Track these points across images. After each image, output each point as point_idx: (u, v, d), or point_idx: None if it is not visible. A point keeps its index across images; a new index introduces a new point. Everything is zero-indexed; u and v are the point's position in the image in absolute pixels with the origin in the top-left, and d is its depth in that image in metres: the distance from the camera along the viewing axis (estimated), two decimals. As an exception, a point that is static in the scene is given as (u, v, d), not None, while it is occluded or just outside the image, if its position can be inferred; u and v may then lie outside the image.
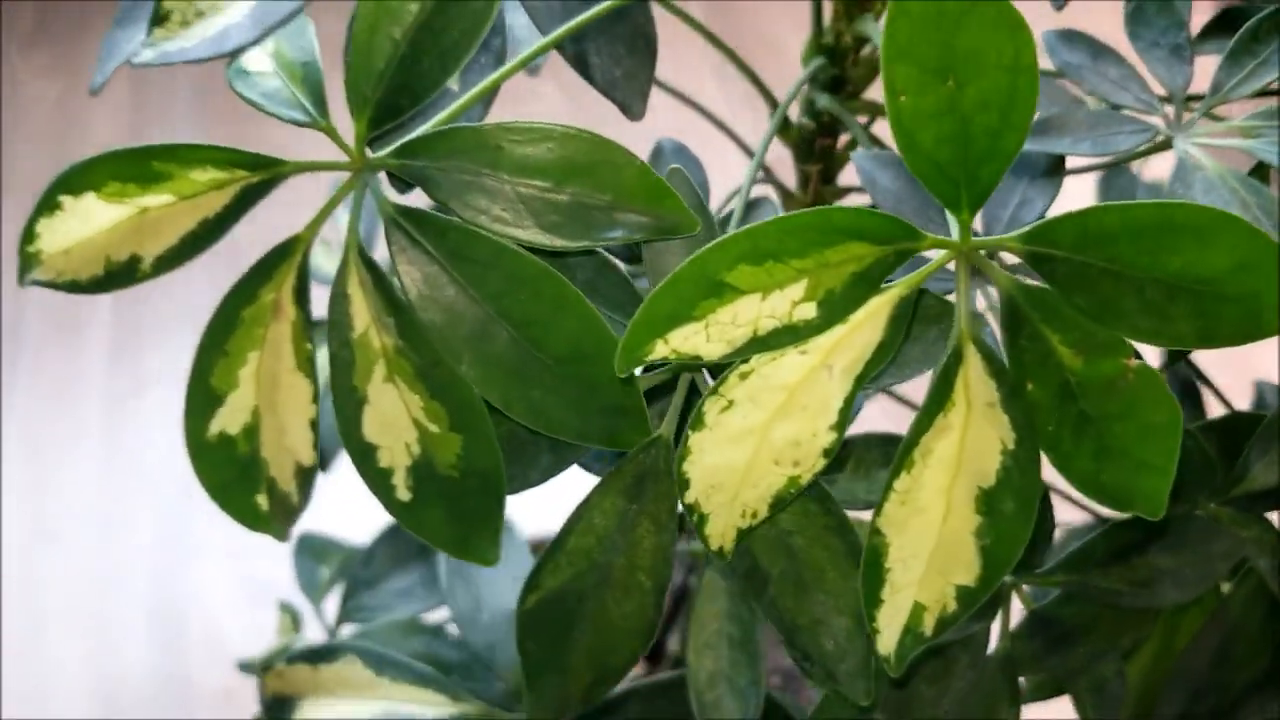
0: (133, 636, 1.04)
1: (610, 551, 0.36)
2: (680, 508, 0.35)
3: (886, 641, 0.34)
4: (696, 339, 0.31)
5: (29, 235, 0.36)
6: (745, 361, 0.32)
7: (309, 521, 0.82)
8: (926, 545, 0.33)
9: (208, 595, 1.06)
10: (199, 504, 1.19)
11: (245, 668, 0.76)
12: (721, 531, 0.34)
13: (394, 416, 0.35)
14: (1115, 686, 0.45)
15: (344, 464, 0.38)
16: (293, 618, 0.74)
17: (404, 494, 0.36)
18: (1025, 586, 0.42)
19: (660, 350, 0.31)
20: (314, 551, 0.77)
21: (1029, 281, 0.32)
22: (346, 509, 0.83)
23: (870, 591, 0.33)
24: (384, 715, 0.47)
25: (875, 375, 0.32)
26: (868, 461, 0.43)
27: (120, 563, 1.08)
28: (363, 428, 0.35)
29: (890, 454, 0.44)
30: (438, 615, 0.73)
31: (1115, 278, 0.31)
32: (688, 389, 0.36)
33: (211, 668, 1.02)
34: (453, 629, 0.56)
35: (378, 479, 0.36)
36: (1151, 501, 0.33)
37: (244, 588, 1.05)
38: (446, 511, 0.36)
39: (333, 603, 0.74)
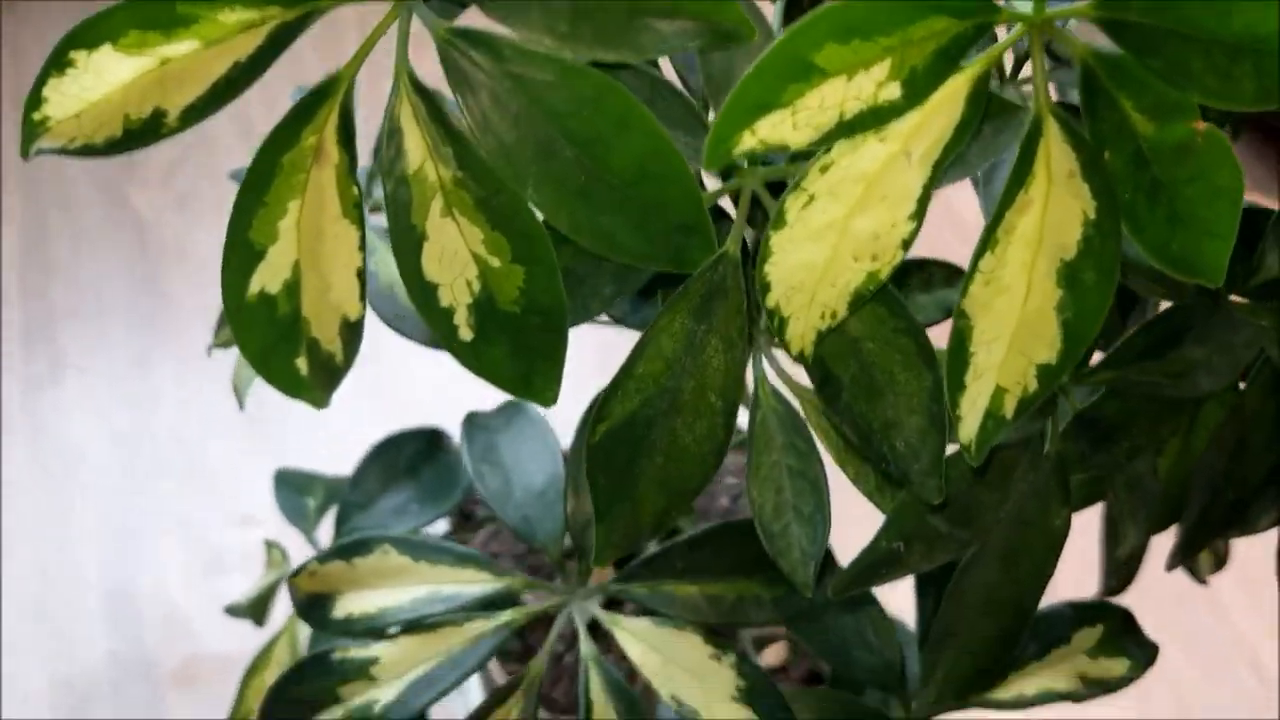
0: (86, 621, 1.01)
1: (679, 375, 0.36)
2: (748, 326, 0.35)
3: (968, 428, 0.34)
4: (784, 127, 0.30)
5: (35, 101, 0.34)
6: (826, 153, 0.32)
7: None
8: (1009, 325, 0.33)
9: (159, 571, 1.03)
10: (139, 482, 1.16)
11: (233, 610, 0.74)
12: (802, 333, 0.34)
13: (454, 251, 0.34)
14: (1150, 482, 0.46)
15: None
16: (281, 553, 0.72)
17: (466, 333, 0.35)
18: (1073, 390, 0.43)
19: (748, 142, 0.30)
20: (295, 485, 0.75)
21: (1103, 47, 0.32)
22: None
23: (954, 377, 0.33)
24: (427, 596, 0.46)
25: (953, 161, 0.32)
26: (909, 285, 0.43)
27: (64, 548, 1.05)
28: (423, 266, 0.34)
29: (929, 278, 0.44)
30: (437, 529, 0.72)
31: (1183, 40, 0.31)
32: (749, 205, 0.36)
33: (171, 644, 0.99)
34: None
35: (440, 319, 0.35)
36: (1214, 268, 0.33)
37: (196, 560, 1.03)
38: (509, 349, 0.35)
39: (324, 532, 0.72)
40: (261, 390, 1.24)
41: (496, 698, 0.45)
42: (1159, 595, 1.03)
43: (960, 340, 0.33)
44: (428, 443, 0.69)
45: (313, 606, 0.48)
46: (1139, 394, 0.42)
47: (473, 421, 0.51)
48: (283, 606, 0.69)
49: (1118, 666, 0.52)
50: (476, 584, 0.47)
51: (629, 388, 0.36)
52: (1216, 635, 1.02)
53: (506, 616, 0.46)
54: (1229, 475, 0.48)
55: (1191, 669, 1.00)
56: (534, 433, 0.50)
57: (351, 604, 0.47)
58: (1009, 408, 0.34)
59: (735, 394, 0.36)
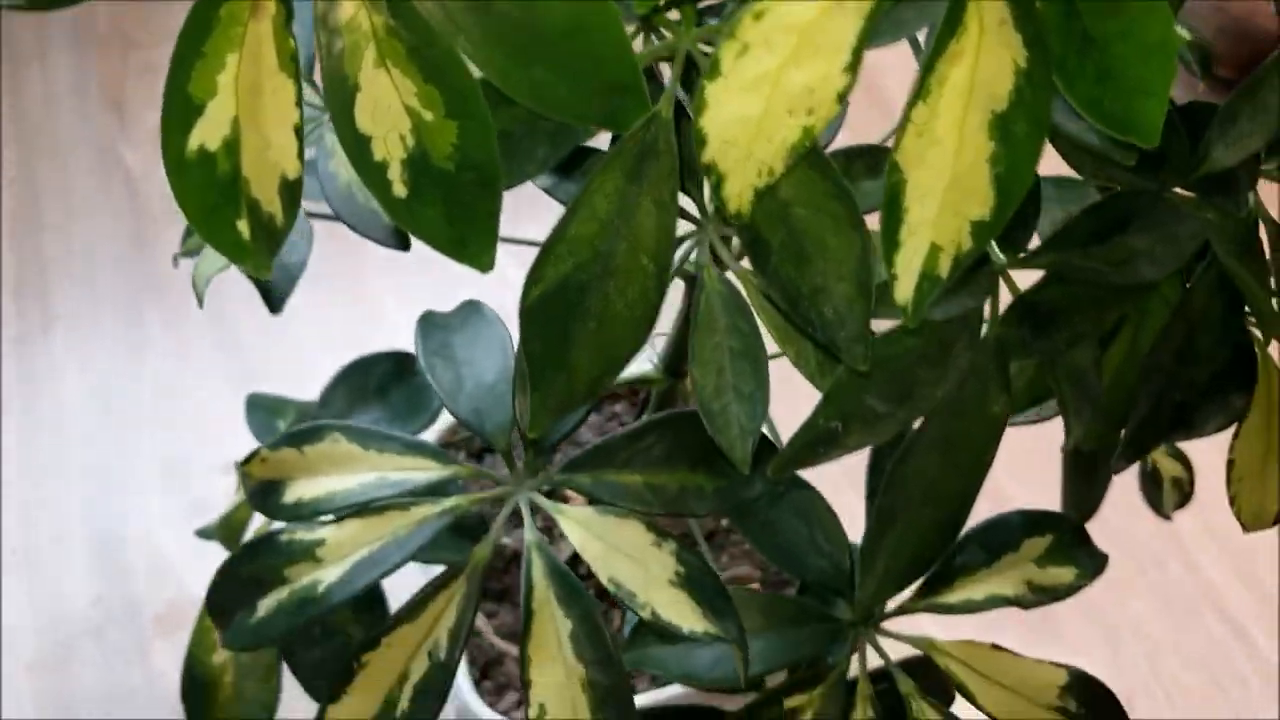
0: (72, 566, 1.01)
1: (612, 237, 0.36)
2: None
3: (904, 288, 0.35)
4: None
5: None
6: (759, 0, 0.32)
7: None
8: (942, 179, 0.33)
9: (145, 517, 1.03)
10: (126, 430, 1.17)
11: (204, 533, 0.75)
12: (739, 192, 0.34)
13: (387, 104, 0.34)
14: (1092, 378, 0.46)
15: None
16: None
17: (400, 189, 0.35)
18: (1012, 272, 0.43)
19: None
20: (266, 409, 0.75)
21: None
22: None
23: (889, 233, 0.34)
24: (375, 482, 0.47)
25: (890, 21, 0.32)
26: (853, 172, 0.43)
27: (51, 495, 1.05)
28: (355, 118, 0.34)
29: (875, 163, 0.44)
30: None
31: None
32: (684, 66, 0.36)
33: (156, 589, 1.00)
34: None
35: (373, 174, 0.35)
36: (1148, 127, 0.34)
37: (181, 506, 1.03)
38: (444, 208, 0.35)
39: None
40: (248, 338, 1.26)
41: (438, 583, 0.46)
42: (1128, 546, 1.03)
43: (894, 195, 0.33)
44: (397, 365, 0.69)
45: (264, 494, 0.48)
46: (1081, 280, 0.43)
47: (429, 319, 0.52)
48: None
49: (1066, 574, 0.53)
50: (424, 471, 0.47)
51: (561, 250, 0.36)
52: (1186, 586, 1.02)
53: (451, 502, 0.47)
54: (1176, 376, 0.48)
55: (1161, 620, 1.00)
56: (488, 330, 0.50)
57: (301, 490, 0.47)
58: (944, 266, 0.34)
59: (667, 257, 0.36)
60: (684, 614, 0.44)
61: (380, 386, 0.69)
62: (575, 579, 0.46)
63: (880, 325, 0.40)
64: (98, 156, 1.29)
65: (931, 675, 0.52)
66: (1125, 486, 1.07)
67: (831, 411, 0.41)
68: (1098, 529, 1.03)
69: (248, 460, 0.48)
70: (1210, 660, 0.98)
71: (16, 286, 1.21)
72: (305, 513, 0.47)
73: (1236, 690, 0.97)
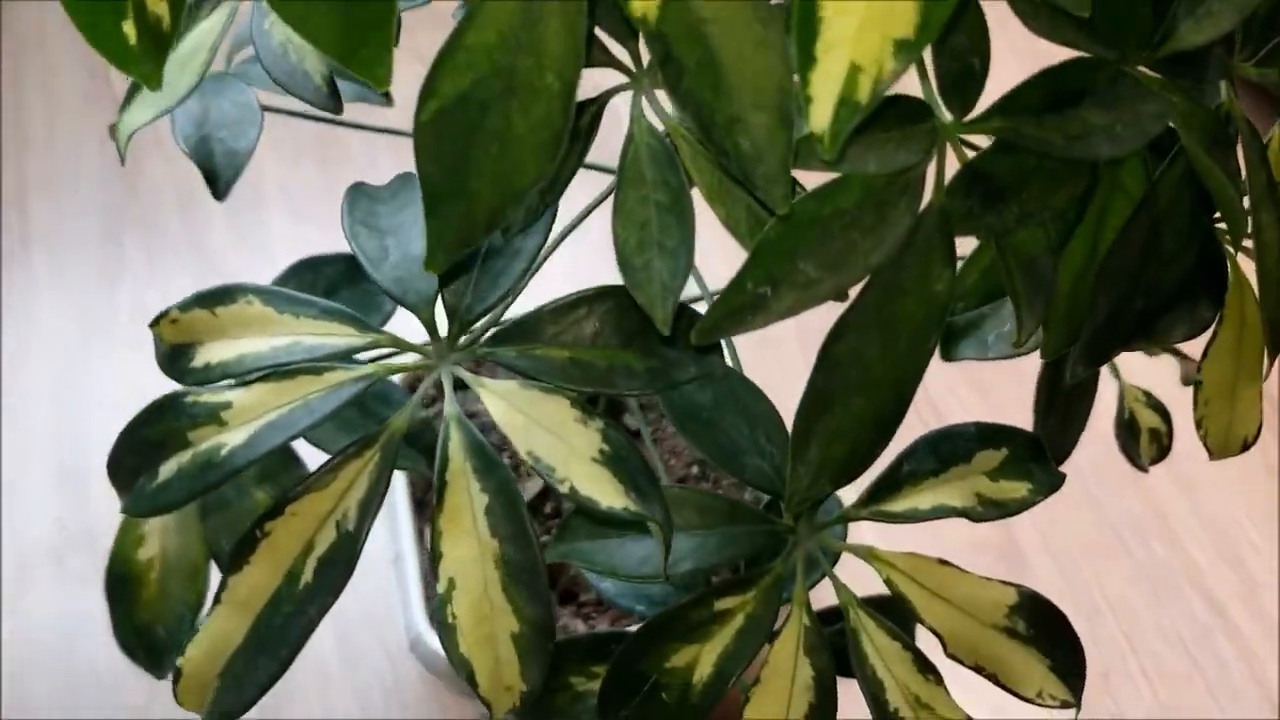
0: (36, 490, 0.99)
1: (514, 51, 0.34)
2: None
3: (820, 113, 0.32)
4: None
5: None
6: None
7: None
8: (862, -10, 0.31)
9: (111, 444, 1.01)
10: (98, 355, 1.15)
11: None
12: (643, -4, 0.32)
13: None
14: (1045, 266, 0.43)
15: None
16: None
17: (293, -13, 0.33)
18: (960, 137, 0.40)
19: None
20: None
21: None
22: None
23: (803, 45, 0.31)
24: (288, 346, 0.44)
25: None
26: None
27: (16, 421, 1.03)
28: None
29: None
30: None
31: None
32: None
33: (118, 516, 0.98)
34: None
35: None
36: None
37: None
38: (337, 12, 0.33)
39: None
40: (228, 264, 1.23)
41: (350, 452, 0.43)
42: (1113, 521, 1.01)
43: (809, 3, 0.31)
44: (349, 266, 0.67)
45: (173, 357, 0.46)
46: (1033, 151, 0.40)
47: (358, 189, 0.49)
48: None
49: (1018, 489, 0.50)
50: (341, 337, 0.45)
51: (459, 60, 0.33)
52: (1170, 565, 0.99)
53: (368, 369, 0.44)
54: (1138, 278, 0.46)
55: (1142, 597, 0.98)
56: (418, 200, 0.48)
57: (211, 353, 0.45)
58: (864, 89, 0.32)
59: (573, 74, 0.34)
60: (605, 490, 0.42)
61: (330, 287, 0.67)
62: (494, 453, 0.44)
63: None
64: (88, 79, 1.28)
65: (893, 609, 0.49)
66: (1112, 460, 1.04)
67: (760, 274, 0.39)
68: (1083, 502, 1.01)
69: (157, 321, 0.46)
70: (1190, 640, 0.95)
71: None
72: (214, 376, 0.44)
73: (1214, 670, 0.94)
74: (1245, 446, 0.52)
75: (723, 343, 0.57)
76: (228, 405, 0.43)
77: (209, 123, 0.62)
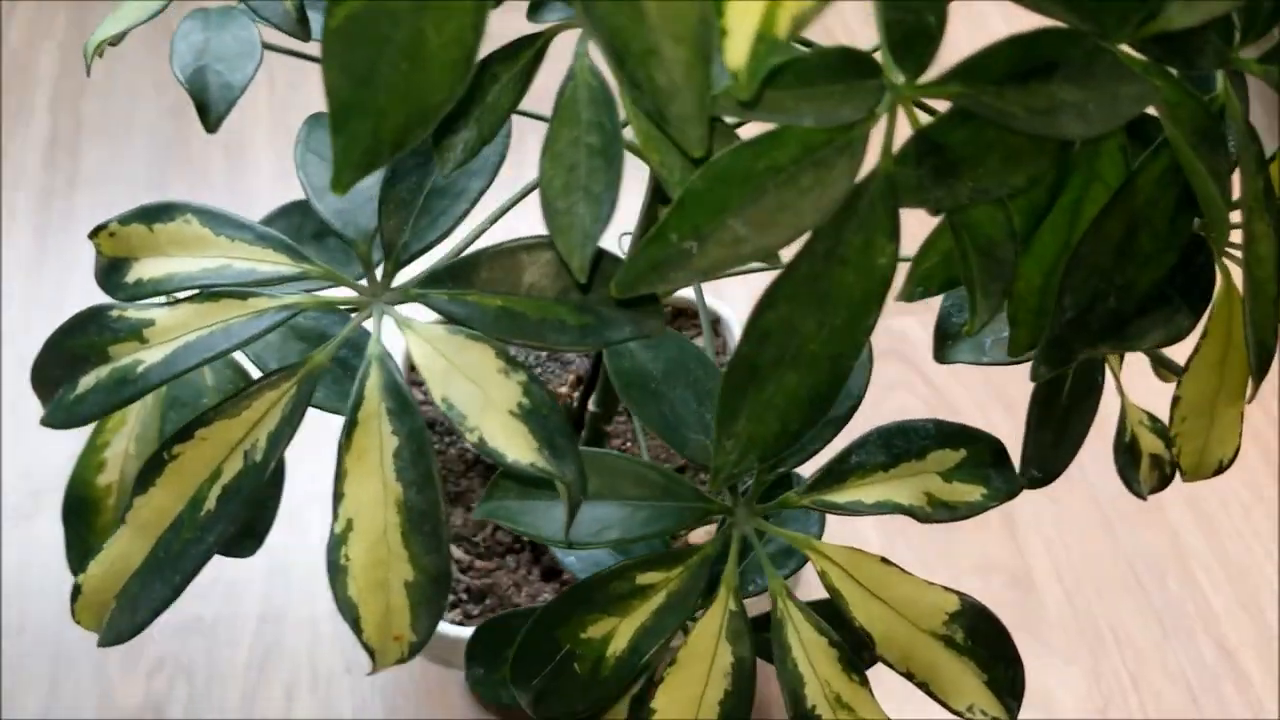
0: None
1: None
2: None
3: (737, 48, 0.30)
4: None
5: None
6: None
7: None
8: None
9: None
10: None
11: None
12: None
13: None
14: (1004, 250, 0.41)
15: None
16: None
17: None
18: (914, 101, 0.38)
19: None
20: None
21: None
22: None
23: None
24: (218, 268, 0.43)
25: None
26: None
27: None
28: None
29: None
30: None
31: None
32: None
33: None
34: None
35: None
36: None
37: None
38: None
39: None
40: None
41: (265, 384, 0.42)
42: (1131, 556, 0.97)
43: (722, -71, 0.29)
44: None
45: (109, 271, 0.45)
46: (993, 123, 0.38)
47: (317, 119, 0.48)
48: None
49: (971, 493, 0.48)
50: (273, 265, 0.44)
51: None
52: (1184, 605, 0.96)
53: (293, 299, 0.43)
54: (1111, 275, 0.43)
55: (1151, 635, 0.94)
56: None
57: (144, 269, 0.44)
58: (783, 24, 0.30)
59: (486, -11, 0.32)
60: (515, 444, 0.40)
61: (318, 232, 0.66)
62: (410, 397, 0.42)
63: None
64: (149, 28, 1.28)
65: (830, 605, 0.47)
66: (1133, 499, 1.01)
67: (685, 226, 0.37)
68: (1101, 533, 0.97)
69: (96, 233, 0.45)
70: (1196, 684, 0.92)
71: (50, 142, 1.21)
72: (144, 292, 0.43)
73: (1217, 717, 0.90)
74: (1220, 469, 0.49)
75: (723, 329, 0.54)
76: (151, 323, 0.42)
77: (208, 54, 0.61)
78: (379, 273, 0.44)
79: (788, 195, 0.37)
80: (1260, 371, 0.47)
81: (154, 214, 0.44)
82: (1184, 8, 0.39)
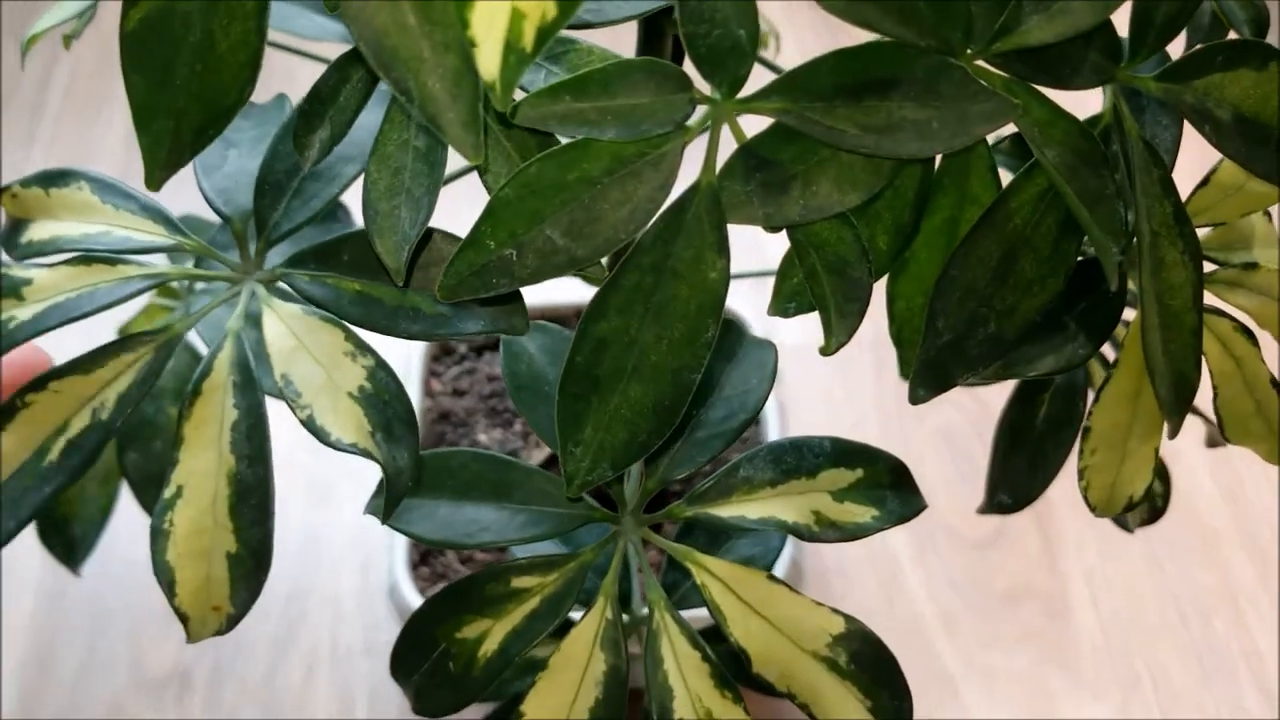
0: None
1: (210, -37, 0.33)
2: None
3: (488, 61, 0.30)
4: None
5: None
6: None
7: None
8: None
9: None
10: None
11: None
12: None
13: None
14: (857, 270, 0.40)
15: None
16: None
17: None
18: (739, 117, 0.37)
19: None
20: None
21: None
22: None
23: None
24: (99, 234, 0.45)
25: None
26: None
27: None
28: None
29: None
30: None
31: None
32: None
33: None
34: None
35: None
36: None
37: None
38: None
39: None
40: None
41: (123, 346, 0.43)
42: (1177, 592, 0.93)
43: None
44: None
45: (10, 231, 0.48)
46: (823, 141, 0.37)
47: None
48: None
49: (862, 514, 0.46)
50: (149, 235, 0.45)
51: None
52: (1228, 646, 0.91)
53: (159, 268, 0.44)
54: (991, 300, 0.42)
55: (1190, 676, 0.90)
56: (276, 117, 0.48)
57: (37, 231, 0.46)
58: (529, 36, 0.30)
59: (264, -5, 0.33)
60: (343, 424, 0.41)
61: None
62: (254, 372, 0.43)
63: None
64: None
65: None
66: (1187, 524, 0.97)
67: (501, 233, 0.37)
68: (1146, 565, 0.93)
69: (0, 193, 0.47)
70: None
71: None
72: (32, 253, 0.46)
73: (1252, 765, 0.86)
74: (1130, 506, 0.47)
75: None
76: (29, 282, 0.44)
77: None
78: (252, 250, 0.45)
79: (601, 207, 0.36)
80: (1178, 408, 0.44)
81: (52, 179, 0.46)
82: (1042, 23, 0.37)
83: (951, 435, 1.01)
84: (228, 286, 0.45)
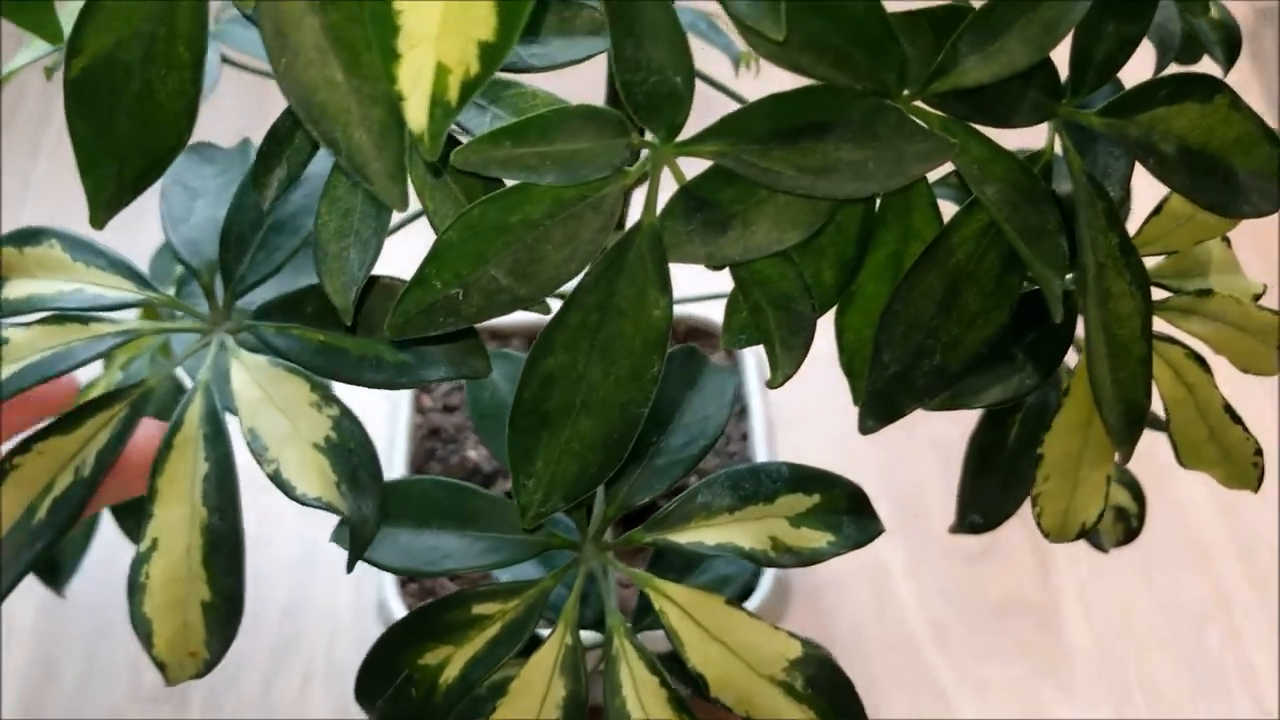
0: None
1: (149, 18, 0.34)
2: None
3: (416, 113, 0.31)
4: None
5: None
6: None
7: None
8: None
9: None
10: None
11: None
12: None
13: None
14: (801, 304, 0.40)
15: None
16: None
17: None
18: (679, 160, 0.38)
19: None
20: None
21: None
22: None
23: (382, 41, 0.30)
24: (71, 292, 0.46)
25: None
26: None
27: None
28: None
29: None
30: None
31: None
32: None
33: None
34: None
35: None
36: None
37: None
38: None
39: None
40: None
41: (101, 403, 0.44)
42: (1171, 604, 0.93)
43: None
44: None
45: (-8, 292, 0.49)
46: (760, 182, 0.38)
47: (195, 148, 0.50)
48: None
49: (818, 539, 0.47)
50: (119, 291, 0.46)
51: (101, 20, 0.34)
52: (1223, 659, 0.91)
53: (132, 325, 0.46)
54: (937, 333, 0.42)
55: (1184, 688, 0.90)
56: (241, 166, 0.49)
57: (12, 290, 0.47)
58: (454, 90, 0.30)
59: (201, 47, 0.34)
60: (308, 477, 0.42)
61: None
62: (224, 424, 0.44)
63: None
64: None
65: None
66: (1181, 536, 0.96)
67: (446, 274, 0.37)
68: (1140, 578, 0.94)
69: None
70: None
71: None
72: (7, 311, 0.46)
73: (1245, 782, 0.86)
74: (1083, 533, 0.47)
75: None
76: (5, 341, 0.45)
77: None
78: (220, 301, 0.46)
79: (544, 248, 0.37)
80: (1128, 434, 0.45)
81: (25, 239, 0.47)
82: (980, 62, 0.38)
83: (944, 447, 1.02)
84: (198, 337, 0.46)
